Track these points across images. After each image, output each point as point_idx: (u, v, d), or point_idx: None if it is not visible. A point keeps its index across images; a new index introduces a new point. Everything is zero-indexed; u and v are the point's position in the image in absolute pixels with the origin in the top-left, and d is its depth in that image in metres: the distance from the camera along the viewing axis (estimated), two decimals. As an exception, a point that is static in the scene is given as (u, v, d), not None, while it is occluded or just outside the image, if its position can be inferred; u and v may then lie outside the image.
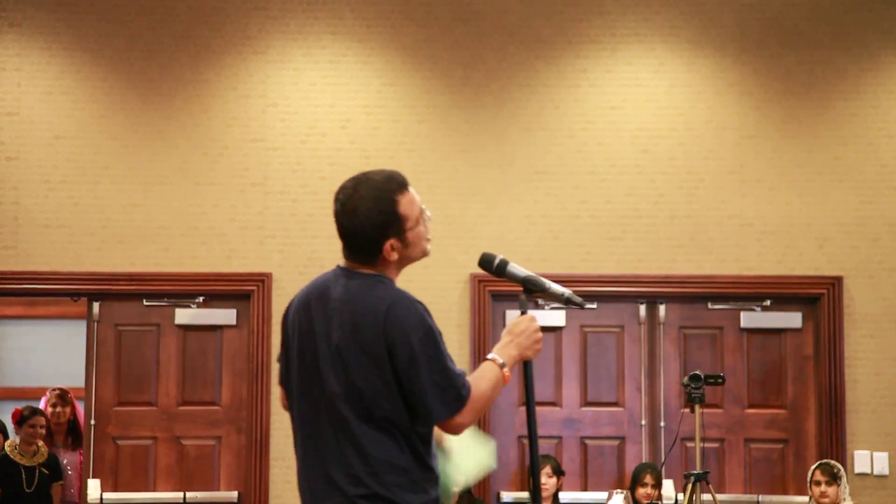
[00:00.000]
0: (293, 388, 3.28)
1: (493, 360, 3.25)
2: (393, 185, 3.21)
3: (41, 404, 8.19)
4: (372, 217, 3.18)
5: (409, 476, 3.15)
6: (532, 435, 3.36)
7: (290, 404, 3.31)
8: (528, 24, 7.69)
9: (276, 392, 7.36)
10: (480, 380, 3.20)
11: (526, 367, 3.35)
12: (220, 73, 7.61)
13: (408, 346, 3.10)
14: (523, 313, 3.37)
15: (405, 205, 3.20)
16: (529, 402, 3.36)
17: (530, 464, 3.40)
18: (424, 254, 3.29)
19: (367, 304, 3.16)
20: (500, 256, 3.41)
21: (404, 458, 3.15)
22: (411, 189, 3.25)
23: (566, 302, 3.44)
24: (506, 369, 3.24)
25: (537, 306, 7.57)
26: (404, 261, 3.26)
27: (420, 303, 3.19)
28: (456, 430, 3.19)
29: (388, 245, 3.19)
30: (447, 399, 3.12)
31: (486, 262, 3.42)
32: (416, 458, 3.18)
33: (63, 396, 8.09)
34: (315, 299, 3.25)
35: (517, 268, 3.42)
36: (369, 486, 3.12)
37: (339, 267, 3.29)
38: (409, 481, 3.14)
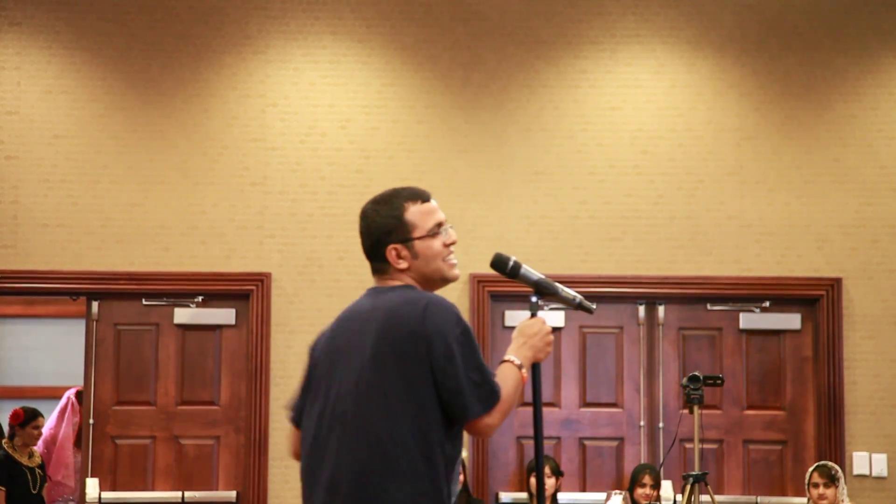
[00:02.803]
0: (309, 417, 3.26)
1: (511, 362, 3.24)
2: (407, 193, 3.26)
3: (60, 403, 8.18)
4: (378, 220, 3.23)
5: (424, 486, 3.10)
6: (538, 436, 3.35)
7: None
8: (528, 25, 7.69)
9: (274, 392, 7.36)
10: (506, 381, 3.18)
11: (534, 369, 3.36)
12: (219, 72, 7.61)
13: (445, 343, 3.09)
14: (534, 315, 3.36)
15: (414, 213, 3.23)
16: (537, 404, 3.36)
17: (535, 464, 3.40)
18: (441, 274, 3.27)
19: (402, 306, 3.16)
20: (513, 258, 3.40)
21: (424, 465, 3.10)
22: (429, 204, 3.26)
23: (577, 307, 3.44)
24: (523, 370, 3.23)
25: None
26: (420, 276, 3.25)
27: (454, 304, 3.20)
28: (485, 431, 3.15)
29: (391, 250, 3.21)
30: (482, 395, 3.10)
31: (499, 263, 3.40)
32: (435, 467, 3.13)
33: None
34: (343, 323, 3.27)
35: (530, 270, 3.41)
36: (390, 493, 3.07)
37: (367, 289, 3.31)
38: (425, 490, 3.10)
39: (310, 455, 3.19)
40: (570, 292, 3.42)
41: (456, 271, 3.31)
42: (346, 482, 3.08)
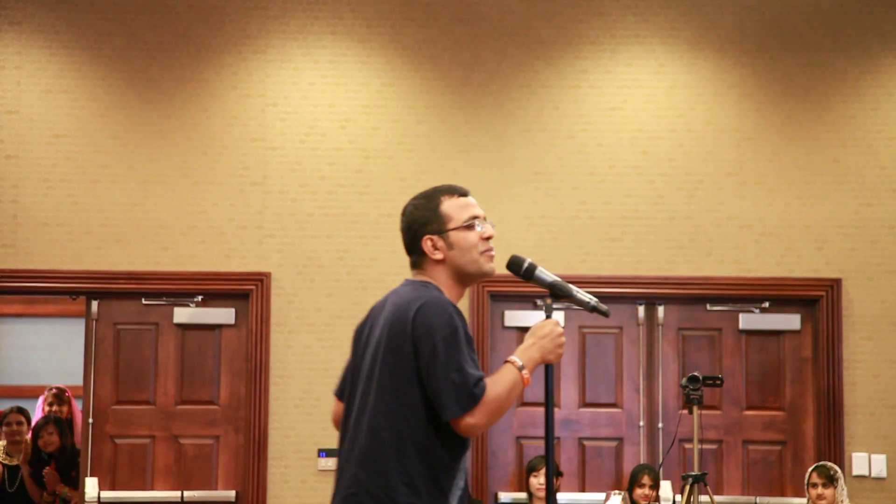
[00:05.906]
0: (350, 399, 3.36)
1: (512, 363, 3.24)
2: (444, 188, 3.39)
3: (38, 403, 8.20)
4: (415, 213, 3.33)
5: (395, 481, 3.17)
6: (548, 437, 3.36)
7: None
8: (527, 25, 7.69)
9: (273, 391, 7.36)
10: (497, 382, 3.18)
11: (547, 371, 3.36)
12: (219, 72, 7.62)
13: (431, 344, 3.13)
14: (548, 317, 3.36)
15: (449, 205, 3.33)
16: (549, 405, 3.37)
17: (546, 465, 3.40)
18: (477, 266, 3.32)
19: (404, 304, 3.22)
20: (528, 260, 3.43)
21: (395, 462, 3.17)
22: (466, 199, 3.36)
23: (591, 310, 3.44)
24: (525, 371, 3.23)
25: (535, 307, 7.57)
26: (455, 269, 3.31)
27: (454, 306, 3.21)
28: (468, 431, 3.17)
29: (427, 241, 3.30)
30: (459, 397, 3.11)
31: (514, 264, 3.43)
32: (410, 468, 3.19)
33: (60, 395, 8.11)
34: (372, 311, 3.38)
35: (545, 272, 3.42)
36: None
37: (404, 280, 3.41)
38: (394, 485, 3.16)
39: (342, 436, 3.32)
40: (585, 295, 3.42)
41: (493, 265, 3.36)
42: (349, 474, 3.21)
